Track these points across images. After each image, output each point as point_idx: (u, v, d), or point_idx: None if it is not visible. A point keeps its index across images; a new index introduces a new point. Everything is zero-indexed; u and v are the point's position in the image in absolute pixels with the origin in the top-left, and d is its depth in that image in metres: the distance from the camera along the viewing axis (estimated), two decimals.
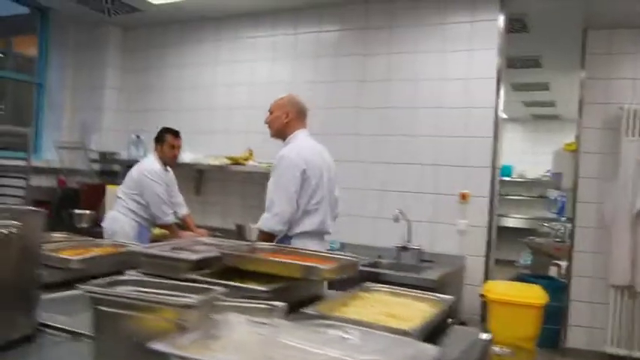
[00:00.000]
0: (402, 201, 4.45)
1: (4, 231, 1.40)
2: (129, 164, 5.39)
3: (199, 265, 2.07)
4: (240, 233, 4.44)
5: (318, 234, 3.08)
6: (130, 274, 2.12)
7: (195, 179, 5.10)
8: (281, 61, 5.14)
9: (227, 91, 5.25)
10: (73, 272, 2.07)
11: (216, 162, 4.77)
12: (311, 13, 4.99)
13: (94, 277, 2.32)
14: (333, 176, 3.21)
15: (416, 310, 1.80)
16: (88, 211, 5.01)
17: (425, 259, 4.22)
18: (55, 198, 5.50)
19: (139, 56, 5.88)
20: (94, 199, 5.20)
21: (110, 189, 4.95)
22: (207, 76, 5.43)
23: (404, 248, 4.21)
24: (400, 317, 1.68)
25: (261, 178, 4.87)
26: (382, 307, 1.80)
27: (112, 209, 4.21)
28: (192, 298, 1.27)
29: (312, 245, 2.90)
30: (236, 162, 4.64)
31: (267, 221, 2.92)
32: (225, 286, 1.78)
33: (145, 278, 1.61)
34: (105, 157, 5.60)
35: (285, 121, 3.12)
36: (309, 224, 3.00)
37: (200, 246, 2.42)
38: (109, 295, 1.32)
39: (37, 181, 5.17)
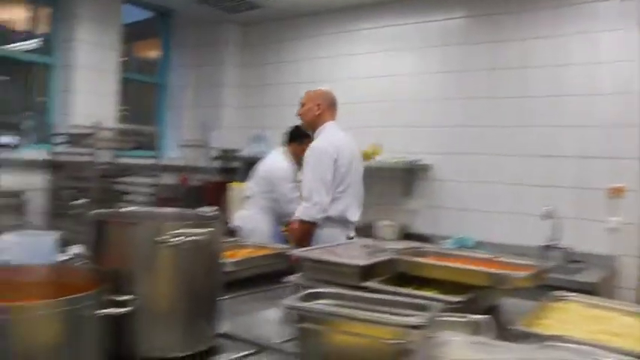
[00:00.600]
0: (540, 196, 4.12)
1: (196, 238, 1.31)
2: (250, 161, 5.40)
3: (368, 271, 1.92)
4: (370, 231, 4.29)
5: (341, 221, 3.17)
6: (299, 281, 2.03)
7: None
8: (404, 52, 4.94)
9: (347, 85, 5.11)
10: (227, 275, 1.99)
11: None
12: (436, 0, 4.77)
13: (248, 280, 2.23)
14: (360, 167, 3.36)
15: (635, 327, 1.55)
16: (212, 209, 5.05)
17: (574, 260, 3.86)
18: (177, 195, 5.62)
19: (257, 52, 5.89)
20: (216, 196, 5.25)
21: (232, 186, 4.97)
22: (325, 70, 5.32)
23: (549, 247, 3.87)
24: (627, 336, 1.44)
25: (389, 174, 4.73)
26: (595, 323, 1.56)
27: (241, 208, 4.19)
28: (418, 317, 1.11)
29: (334, 231, 3.10)
30: (363, 157, 4.48)
31: (309, 210, 3.03)
32: (408, 295, 1.62)
33: (342, 291, 1.47)
34: (226, 155, 5.65)
35: (316, 112, 3.25)
36: (333, 210, 3.11)
37: (359, 249, 2.28)
38: (318, 312, 1.19)
39: (161, 179, 5.28)
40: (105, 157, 4.75)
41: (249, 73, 5.90)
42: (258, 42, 5.91)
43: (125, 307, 1.20)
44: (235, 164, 5.65)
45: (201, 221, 1.41)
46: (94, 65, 5.05)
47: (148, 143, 5.70)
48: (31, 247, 1.85)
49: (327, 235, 3.05)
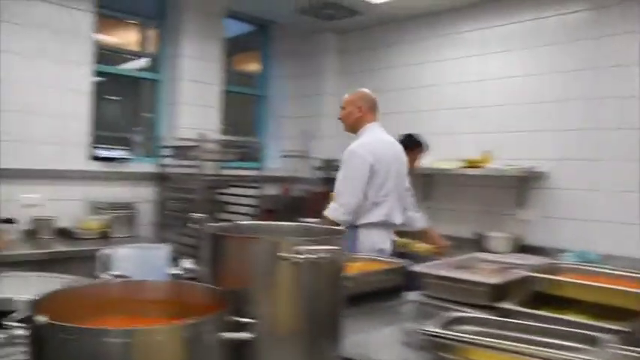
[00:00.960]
0: None
1: (321, 255, 1.18)
2: None
3: (500, 291, 1.72)
4: (479, 242, 4.03)
5: (384, 225, 3.16)
6: (419, 299, 1.86)
7: (424, 183, 4.80)
8: (514, 52, 4.62)
9: (453, 90, 4.89)
10: None
11: (448, 165, 4.42)
12: None
13: (360, 296, 2.06)
14: (403, 169, 3.29)
15: None
16: (315, 220, 4.98)
17: None
18: (279, 206, 5.60)
19: (355, 60, 5.79)
20: (318, 207, 5.15)
21: (334, 196, 4.87)
22: (428, 75, 5.12)
23: None
24: None
25: (501, 182, 4.43)
26: None
27: None
28: (596, 354, 0.92)
29: (377, 236, 3.11)
30: (472, 165, 4.25)
31: (334, 211, 3.07)
32: (561, 321, 1.41)
33: (485, 316, 1.30)
34: (327, 164, 5.57)
35: (357, 115, 3.24)
36: (376, 215, 3.10)
37: (484, 264, 2.08)
38: (469, 342, 1.03)
39: (263, 190, 5.28)
40: (209, 168, 4.81)
41: (348, 81, 5.79)
42: (356, 49, 5.81)
43: (247, 330, 1.09)
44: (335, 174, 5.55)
45: (327, 236, 1.28)
46: (198, 79, 5.16)
47: (251, 154, 5.75)
48: (145, 260, 1.81)
49: (372, 238, 3.09)
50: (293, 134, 6.06)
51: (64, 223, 4.29)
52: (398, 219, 3.21)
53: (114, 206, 4.43)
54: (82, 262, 3.51)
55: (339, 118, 3.36)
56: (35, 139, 4.27)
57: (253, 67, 6.25)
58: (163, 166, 4.94)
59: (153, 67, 5.27)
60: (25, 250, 3.71)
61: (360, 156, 3.07)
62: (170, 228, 4.92)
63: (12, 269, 3.46)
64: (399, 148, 3.32)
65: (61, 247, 3.91)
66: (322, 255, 1.18)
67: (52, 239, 4.13)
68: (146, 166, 4.93)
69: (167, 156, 4.93)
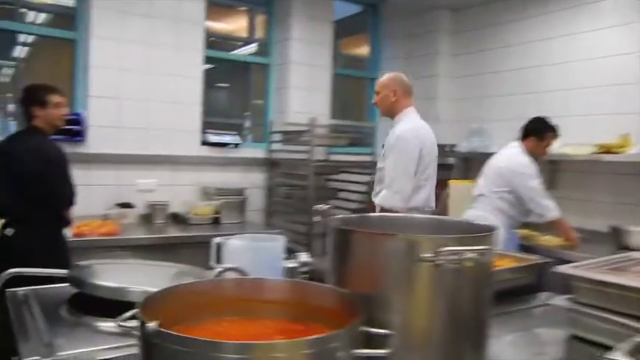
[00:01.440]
0: None
1: (474, 256, 0.98)
2: (467, 157, 4.99)
3: None
4: (617, 237, 3.60)
5: (424, 210, 3.10)
6: (565, 304, 1.60)
7: (549, 171, 4.38)
8: None
9: (584, 67, 4.40)
10: None
11: (578, 151, 3.99)
12: None
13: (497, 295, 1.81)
14: (436, 154, 3.24)
15: None
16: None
17: None
18: None
19: (472, 39, 5.41)
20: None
21: (450, 184, 4.59)
22: (555, 52, 4.64)
23: None
24: None
25: None
26: None
27: (467, 208, 3.80)
28: None
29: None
30: (607, 150, 3.79)
31: (389, 199, 2.99)
32: None
33: None
34: (442, 150, 5.26)
35: (393, 99, 3.16)
36: (418, 199, 3.07)
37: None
38: None
39: (374, 176, 5.09)
40: (319, 154, 4.69)
41: (464, 62, 5.44)
42: (472, 27, 5.41)
43: (382, 344, 0.92)
44: (452, 160, 5.24)
45: (477, 234, 1.07)
46: (307, 62, 5.05)
47: (362, 139, 5.58)
48: (259, 252, 1.70)
49: None
50: None
51: (176, 208, 4.36)
52: (434, 203, 3.19)
53: (224, 192, 4.44)
54: (195, 248, 3.57)
55: (374, 103, 3.29)
56: (151, 126, 4.36)
57: (362, 49, 6.05)
58: (273, 151, 4.89)
59: (262, 52, 5.23)
60: (140, 235, 3.79)
61: (410, 141, 3.02)
62: (279, 215, 4.88)
63: (128, 253, 3.60)
64: (432, 132, 3.23)
65: (174, 232, 3.97)
66: (471, 256, 0.98)
67: (166, 224, 4.21)
68: (256, 152, 4.91)
69: (277, 141, 4.87)
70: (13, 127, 4.11)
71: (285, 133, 4.82)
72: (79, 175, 4.06)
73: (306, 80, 5.06)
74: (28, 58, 4.46)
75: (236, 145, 4.76)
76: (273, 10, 5.16)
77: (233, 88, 5.43)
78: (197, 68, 4.55)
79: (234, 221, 4.38)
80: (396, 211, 2.88)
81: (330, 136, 4.69)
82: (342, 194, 4.88)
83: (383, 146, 3.22)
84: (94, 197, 4.07)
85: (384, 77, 3.25)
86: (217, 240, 1.74)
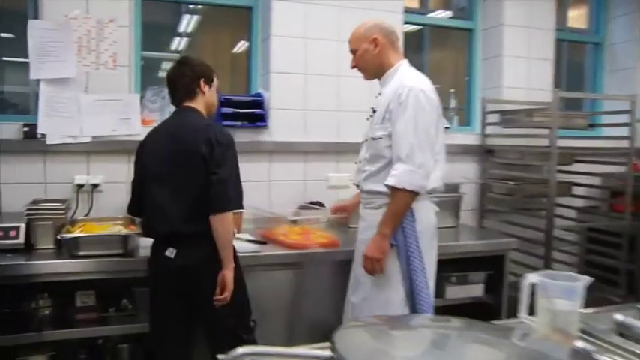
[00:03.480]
0: None
1: None
2: None
3: None
4: None
5: (437, 193, 2.40)
6: None
7: None
8: None
9: None
10: None
11: None
12: None
13: None
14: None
15: None
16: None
17: None
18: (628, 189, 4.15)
19: None
20: None
21: None
22: None
23: None
24: None
25: None
26: None
27: None
28: None
29: (432, 211, 2.39)
30: None
31: (412, 176, 2.15)
32: None
33: None
34: None
35: (375, 52, 2.35)
36: (434, 179, 2.28)
37: None
38: None
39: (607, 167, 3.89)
40: (548, 139, 3.60)
41: None
42: None
43: None
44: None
45: None
46: (525, 24, 3.98)
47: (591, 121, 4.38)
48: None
49: (429, 214, 2.36)
50: None
51: None
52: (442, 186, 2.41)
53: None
54: None
55: (353, 67, 2.46)
56: (343, 107, 3.55)
57: (581, 10, 4.82)
58: (487, 136, 3.87)
59: (464, 15, 4.23)
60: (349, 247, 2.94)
61: (429, 95, 2.24)
62: (495, 216, 3.87)
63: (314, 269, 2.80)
64: None
65: None
66: None
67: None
68: (466, 138, 3.92)
69: (493, 123, 3.85)
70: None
71: (501, 113, 3.80)
72: (261, 169, 3.42)
73: (524, 47, 3.99)
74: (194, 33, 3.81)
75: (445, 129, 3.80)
76: None
77: (430, 60, 4.48)
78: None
79: (448, 225, 3.44)
80: (417, 194, 2.18)
81: (573, 116, 3.57)
82: (578, 190, 3.77)
83: (374, 111, 2.40)
84: (276, 195, 3.36)
85: (357, 29, 2.41)
86: (533, 278, 1.19)
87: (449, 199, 3.48)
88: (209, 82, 2.33)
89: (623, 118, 3.64)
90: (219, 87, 2.46)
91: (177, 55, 3.81)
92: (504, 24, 3.93)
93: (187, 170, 2.15)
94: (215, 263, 2.15)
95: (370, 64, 2.38)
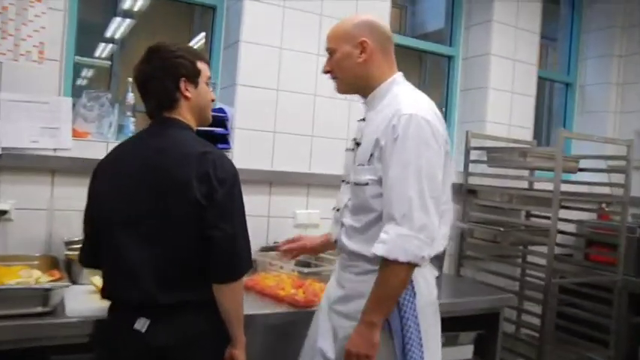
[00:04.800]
0: None
1: None
2: None
3: None
4: None
5: (440, 257, 1.81)
6: None
7: None
8: None
9: None
10: None
11: None
12: None
13: None
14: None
15: None
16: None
17: None
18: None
19: None
20: None
21: None
22: None
23: None
24: None
25: None
26: None
27: None
28: None
29: (432, 277, 1.73)
30: None
31: (409, 243, 1.51)
32: None
33: None
34: None
35: (360, 58, 1.70)
36: (440, 239, 1.67)
37: None
38: None
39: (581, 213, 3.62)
40: (539, 181, 3.25)
41: None
42: None
43: None
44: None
45: None
46: (509, 56, 3.66)
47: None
48: None
49: (429, 283, 1.72)
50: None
51: None
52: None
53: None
54: None
55: (326, 72, 1.78)
56: (318, 132, 3.02)
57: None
58: (469, 175, 3.47)
59: (443, 40, 3.87)
60: None
61: (434, 126, 1.60)
62: (474, 263, 3.47)
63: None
64: None
65: None
66: None
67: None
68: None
69: (477, 161, 3.47)
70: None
71: (489, 150, 3.42)
72: None
73: (508, 81, 3.67)
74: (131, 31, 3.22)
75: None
76: None
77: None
78: None
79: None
80: (415, 265, 1.55)
81: (566, 159, 3.24)
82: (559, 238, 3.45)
83: (357, 144, 1.76)
84: None
85: (340, 23, 1.78)
86: None
87: None
88: (193, 79, 1.63)
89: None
90: (208, 79, 1.72)
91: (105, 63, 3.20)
92: (491, 53, 3.59)
93: (172, 216, 1.50)
94: (213, 340, 1.54)
95: (350, 73, 1.74)
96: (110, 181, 1.60)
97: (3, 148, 2.29)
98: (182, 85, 1.61)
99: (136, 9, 3.22)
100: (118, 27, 3.24)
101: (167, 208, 1.49)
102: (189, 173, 1.48)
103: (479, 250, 3.44)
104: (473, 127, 3.59)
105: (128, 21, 3.23)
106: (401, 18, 4.15)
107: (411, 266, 1.55)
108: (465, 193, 3.44)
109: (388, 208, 1.57)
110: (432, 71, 4.13)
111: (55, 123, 2.37)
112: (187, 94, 1.62)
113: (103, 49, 3.25)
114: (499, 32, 3.61)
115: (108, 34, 3.23)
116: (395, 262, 1.52)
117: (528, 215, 3.49)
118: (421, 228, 1.53)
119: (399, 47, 3.30)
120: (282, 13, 2.88)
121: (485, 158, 3.44)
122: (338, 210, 1.83)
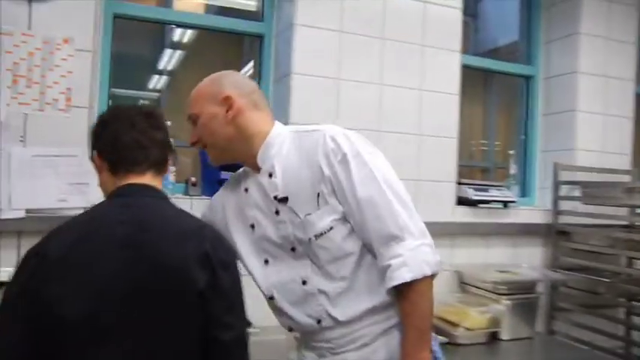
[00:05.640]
0: None
1: None
2: None
3: None
4: None
5: None
6: None
7: None
8: None
9: None
10: None
11: None
12: None
13: None
14: None
15: None
16: None
17: None
18: None
19: None
20: None
21: None
22: None
23: None
24: None
25: None
26: None
27: None
28: None
29: None
30: None
31: (424, 252, 1.36)
32: None
33: None
34: None
35: (228, 116, 1.45)
36: None
37: None
38: None
39: None
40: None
41: None
42: None
43: None
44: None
45: None
46: (601, 72, 3.18)
47: None
48: None
49: None
50: None
51: None
52: None
53: (498, 285, 2.59)
54: None
55: (193, 144, 1.51)
56: None
57: None
58: (560, 213, 2.99)
59: (514, 57, 3.41)
60: None
61: (356, 134, 1.44)
62: (568, 315, 2.97)
63: None
64: None
65: None
66: None
67: None
68: (531, 215, 3.03)
69: (564, 198, 2.98)
70: None
71: (584, 185, 2.94)
72: None
73: (599, 101, 3.18)
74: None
75: (505, 204, 2.92)
76: None
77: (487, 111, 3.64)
78: (452, 77, 2.81)
79: (523, 336, 2.53)
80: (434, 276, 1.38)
81: None
82: None
83: (284, 199, 1.44)
84: None
85: (195, 88, 1.51)
86: None
87: (523, 301, 2.58)
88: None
89: None
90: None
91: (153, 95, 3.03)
92: (578, 71, 3.11)
93: (171, 317, 1.11)
94: None
95: (221, 135, 1.47)
96: (74, 274, 1.09)
97: (27, 210, 2.03)
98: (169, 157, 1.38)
99: (185, 40, 3.06)
100: (169, 59, 3.13)
101: (164, 308, 1.10)
102: (187, 256, 1.13)
103: (573, 301, 2.94)
104: (559, 156, 3.12)
105: (178, 52, 3.10)
106: (463, 34, 3.73)
107: (434, 276, 1.38)
108: (553, 234, 2.97)
109: (378, 230, 1.37)
110: (499, 92, 3.68)
111: (84, 178, 2.08)
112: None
113: (157, 81, 3.14)
114: (587, 46, 3.14)
115: (160, 66, 3.12)
116: (423, 279, 1.34)
117: (631, 261, 2.97)
118: (422, 233, 1.39)
119: (465, 68, 2.92)
120: (339, 39, 2.52)
121: (576, 193, 2.96)
122: (272, 298, 1.50)
